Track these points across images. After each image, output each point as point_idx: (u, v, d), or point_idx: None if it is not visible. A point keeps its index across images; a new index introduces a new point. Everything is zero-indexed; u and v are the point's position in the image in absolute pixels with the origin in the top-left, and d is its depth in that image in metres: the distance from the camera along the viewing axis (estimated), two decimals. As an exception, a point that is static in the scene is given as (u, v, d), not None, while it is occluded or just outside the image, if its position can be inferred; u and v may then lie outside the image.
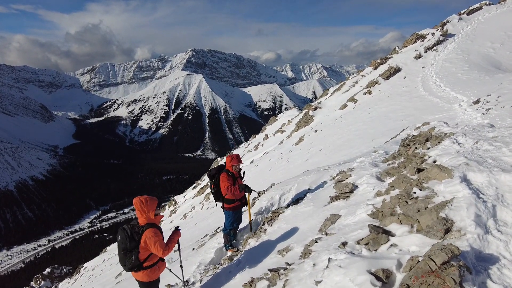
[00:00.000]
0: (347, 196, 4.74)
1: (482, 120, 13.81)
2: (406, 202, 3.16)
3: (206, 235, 8.28)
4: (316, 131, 27.31)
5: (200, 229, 15.52)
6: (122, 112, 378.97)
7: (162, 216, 4.47)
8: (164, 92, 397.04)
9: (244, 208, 6.31)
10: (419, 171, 3.62)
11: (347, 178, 5.40)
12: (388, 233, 2.94)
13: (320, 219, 4.41)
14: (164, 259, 4.51)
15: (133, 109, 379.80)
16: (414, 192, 3.23)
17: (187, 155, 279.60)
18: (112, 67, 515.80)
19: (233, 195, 5.68)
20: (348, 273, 2.49)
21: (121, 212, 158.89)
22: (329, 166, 7.54)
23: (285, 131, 36.21)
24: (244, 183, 5.95)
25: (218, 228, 8.12)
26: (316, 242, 3.65)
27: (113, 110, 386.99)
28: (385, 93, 25.81)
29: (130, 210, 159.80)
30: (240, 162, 5.91)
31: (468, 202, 2.66)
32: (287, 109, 61.45)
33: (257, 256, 4.62)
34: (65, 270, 43.31)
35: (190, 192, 38.70)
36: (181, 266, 5.16)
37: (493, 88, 17.30)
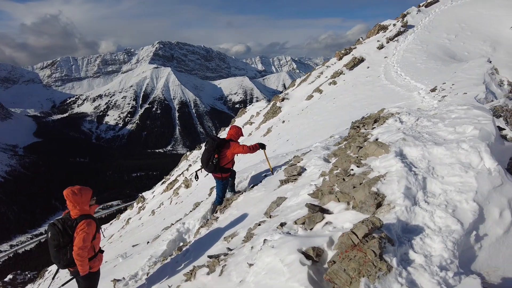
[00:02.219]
0: (295, 179, 4.69)
1: (438, 107, 14.44)
2: (343, 179, 3.11)
3: (164, 228, 7.99)
4: (283, 122, 27.42)
5: (168, 224, 15.21)
6: (87, 108, 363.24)
7: (97, 206, 4.21)
8: (131, 86, 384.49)
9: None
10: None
11: (298, 162, 5.35)
12: (326, 211, 2.87)
13: (269, 203, 4.32)
14: (102, 251, 4.28)
15: (99, 105, 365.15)
16: (352, 169, 3.19)
17: (157, 150, 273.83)
18: (74, 61, 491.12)
19: (249, 152, 6.03)
20: (279, 253, 2.38)
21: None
22: (287, 153, 7.51)
23: (253, 122, 36.10)
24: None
25: (176, 221, 7.85)
26: (259, 225, 3.55)
27: (78, 106, 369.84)
28: (349, 83, 26.29)
29: (99, 209, 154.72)
30: (243, 135, 6.39)
31: (400, 175, 2.63)
32: (258, 101, 61.33)
33: (204, 244, 4.47)
34: (29, 275, 41.16)
35: (159, 188, 37.84)
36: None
37: (448, 77, 18.08)
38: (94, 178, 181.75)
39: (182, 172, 34.31)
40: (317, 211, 2.83)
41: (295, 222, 2.92)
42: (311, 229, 2.73)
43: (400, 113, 4.21)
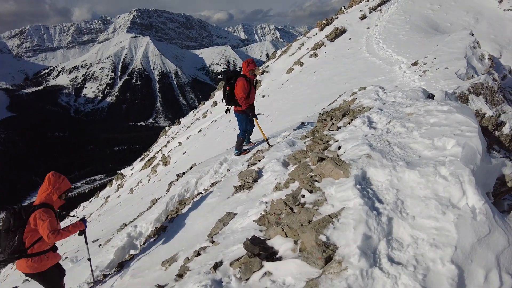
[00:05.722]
0: (250, 187, 4.07)
1: (419, 82, 13.94)
2: (291, 209, 2.49)
3: (118, 229, 7.27)
4: (263, 96, 26.60)
5: (145, 204, 14.78)
6: (63, 80, 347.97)
7: (64, 202, 3.97)
8: (109, 56, 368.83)
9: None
10: (322, 160, 2.97)
11: (259, 160, 4.70)
12: (268, 250, 2.27)
13: (217, 217, 3.72)
14: (55, 250, 3.95)
15: (76, 77, 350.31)
16: (303, 195, 2.55)
17: (138, 123, 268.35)
18: (46, 30, 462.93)
19: (245, 105, 6.06)
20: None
21: (73, 186, 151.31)
22: (255, 143, 6.87)
23: (233, 96, 35.04)
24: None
25: (130, 222, 7.14)
26: (198, 254, 2.94)
27: (53, 78, 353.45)
28: (330, 56, 25.48)
29: (82, 184, 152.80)
30: (256, 66, 6.25)
31: (358, 217, 2.00)
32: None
33: (144, 265, 3.88)
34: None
35: (137, 165, 36.95)
36: (89, 259, 4.55)
37: (430, 50, 17.56)
38: (75, 152, 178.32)
39: (161, 149, 33.45)
40: (257, 253, 2.22)
41: (231, 264, 2.32)
42: (246, 279, 2.13)
43: (371, 109, 3.57)
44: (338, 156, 2.83)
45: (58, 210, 4.00)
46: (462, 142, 2.32)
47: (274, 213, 2.58)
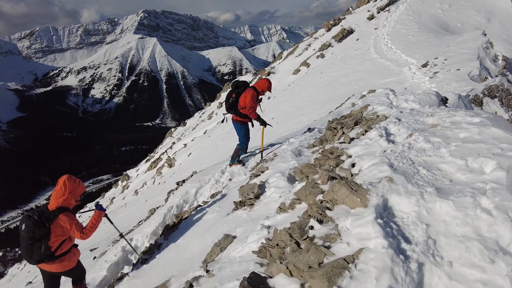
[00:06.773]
0: (251, 204, 3.69)
1: (429, 84, 13.43)
2: (298, 244, 2.10)
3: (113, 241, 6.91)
4: (269, 98, 26.24)
5: (150, 206, 14.66)
6: (71, 80, 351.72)
7: (79, 203, 3.98)
8: (116, 57, 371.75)
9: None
10: (333, 179, 2.59)
11: (262, 172, 4.33)
12: (271, 294, 1.90)
13: (214, 238, 3.36)
14: (77, 245, 4.03)
15: (84, 77, 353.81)
16: (311, 227, 2.16)
17: (145, 124, 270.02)
18: (55, 31, 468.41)
19: (251, 114, 5.85)
20: None
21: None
22: (257, 149, 6.51)
23: (239, 98, 34.70)
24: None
25: (127, 233, 6.81)
26: (191, 286, 2.58)
27: (61, 79, 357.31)
28: (337, 57, 25.06)
29: (89, 183, 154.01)
30: (270, 91, 6.19)
31: (381, 265, 1.61)
32: (247, 73, 59.38)
33: (134, 289, 3.56)
34: (19, 252, 40.75)
35: (143, 166, 36.92)
36: (121, 235, 4.74)
37: (441, 51, 17.05)
38: (83, 152, 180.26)
39: (166, 151, 33.33)
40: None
41: (226, 309, 1.96)
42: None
43: (387, 119, 3.18)
44: (352, 176, 2.45)
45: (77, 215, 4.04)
46: (505, 165, 1.91)
47: (277, 245, 2.21)
